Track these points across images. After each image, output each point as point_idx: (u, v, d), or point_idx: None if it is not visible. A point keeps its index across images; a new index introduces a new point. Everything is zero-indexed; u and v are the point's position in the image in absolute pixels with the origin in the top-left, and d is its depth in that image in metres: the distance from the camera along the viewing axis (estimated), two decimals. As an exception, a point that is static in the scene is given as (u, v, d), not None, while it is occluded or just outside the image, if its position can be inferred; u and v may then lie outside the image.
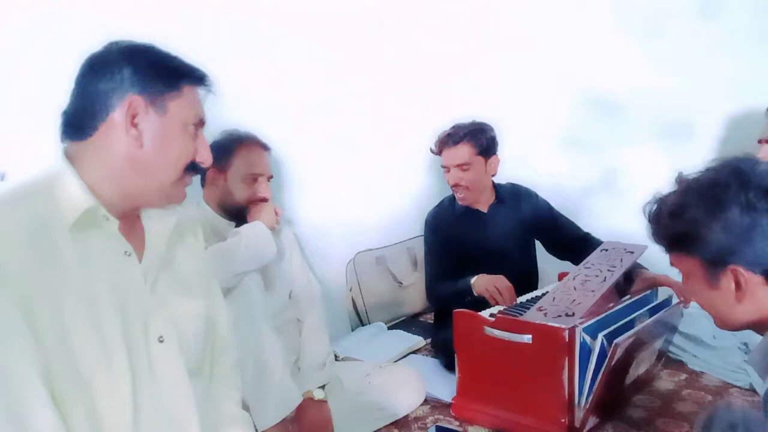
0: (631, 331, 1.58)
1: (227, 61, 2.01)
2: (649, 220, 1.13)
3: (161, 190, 1.00)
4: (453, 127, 2.25)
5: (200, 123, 1.03)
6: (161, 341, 0.99)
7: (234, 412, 1.20)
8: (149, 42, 0.99)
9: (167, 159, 0.98)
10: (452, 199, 2.36)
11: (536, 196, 2.37)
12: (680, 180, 1.10)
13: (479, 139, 2.19)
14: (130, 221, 1.01)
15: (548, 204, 2.35)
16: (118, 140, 0.94)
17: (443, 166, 2.27)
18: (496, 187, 2.33)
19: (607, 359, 1.51)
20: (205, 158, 1.04)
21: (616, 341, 1.50)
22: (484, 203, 2.30)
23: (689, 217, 1.04)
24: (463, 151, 2.18)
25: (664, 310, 1.81)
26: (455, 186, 2.23)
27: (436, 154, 2.31)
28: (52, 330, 0.85)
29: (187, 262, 1.12)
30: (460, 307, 1.82)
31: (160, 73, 0.97)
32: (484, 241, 2.24)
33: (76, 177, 0.93)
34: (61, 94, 1.52)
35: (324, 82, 2.38)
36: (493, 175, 2.29)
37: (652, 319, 1.72)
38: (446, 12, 2.95)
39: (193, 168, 1.03)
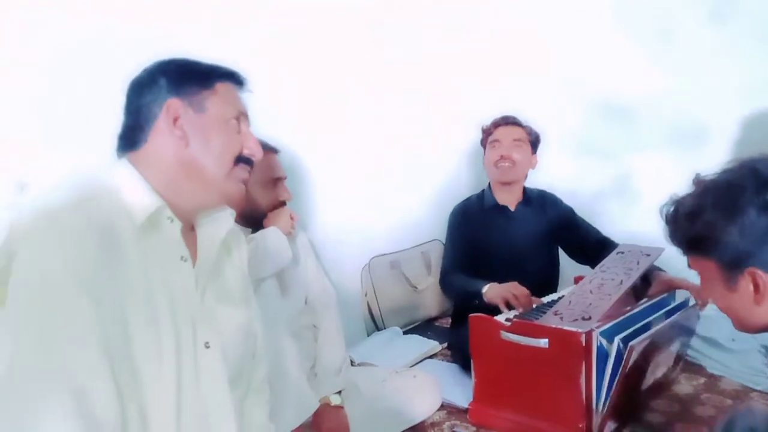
0: (647, 334, 1.57)
1: (238, 67, 2.04)
2: (666, 222, 1.13)
3: (214, 186, 1.04)
4: (505, 116, 2.36)
5: (242, 117, 1.08)
6: (207, 347, 1.02)
7: (263, 423, 1.23)
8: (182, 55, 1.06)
9: (213, 154, 1.02)
10: (480, 196, 2.40)
11: (561, 201, 2.41)
12: (697, 181, 1.10)
13: (532, 130, 2.33)
14: (186, 228, 1.05)
15: (571, 209, 2.39)
16: (166, 143, 1.00)
17: (493, 141, 2.32)
18: (525, 189, 2.37)
19: (623, 362, 1.50)
20: (254, 150, 1.08)
21: (631, 344, 1.49)
22: (512, 201, 2.34)
23: (706, 220, 1.03)
24: (520, 131, 2.31)
25: (680, 312, 1.80)
26: (503, 158, 2.26)
27: (486, 133, 2.38)
28: (116, 329, 0.88)
29: (232, 273, 1.16)
30: (467, 305, 1.82)
31: (192, 75, 1.03)
32: (509, 239, 2.27)
33: (141, 179, 0.98)
34: (81, 106, 1.56)
35: (337, 86, 2.39)
36: (529, 170, 2.35)
37: (667, 321, 1.71)
38: (457, 16, 2.96)
39: (244, 161, 1.07)
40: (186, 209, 1.03)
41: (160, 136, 1.00)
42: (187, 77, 1.03)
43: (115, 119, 1.63)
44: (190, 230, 1.06)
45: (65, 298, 0.84)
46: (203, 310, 1.03)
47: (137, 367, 0.91)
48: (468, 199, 2.45)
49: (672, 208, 1.11)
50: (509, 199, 2.34)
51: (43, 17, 1.52)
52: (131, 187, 0.97)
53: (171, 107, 1.00)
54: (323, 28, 2.32)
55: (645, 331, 1.62)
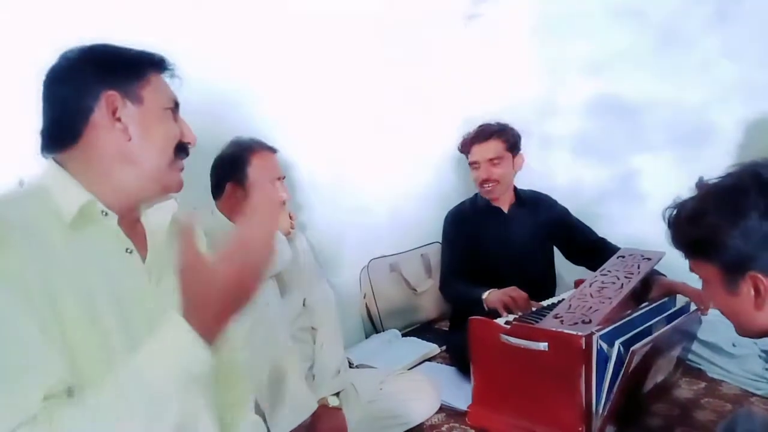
0: (649, 338, 1.55)
1: (238, 68, 2.04)
2: (669, 225, 1.12)
3: (156, 177, 0.99)
4: (481, 125, 2.30)
5: (176, 106, 1.04)
6: None
7: (244, 415, 1.18)
8: (99, 41, 0.99)
9: (156, 145, 0.98)
10: (473, 199, 2.39)
11: (555, 202, 2.39)
12: (700, 185, 1.09)
13: (508, 135, 2.25)
14: (130, 221, 1.01)
15: (566, 210, 2.37)
16: (105, 138, 0.94)
17: (472, 163, 2.29)
18: (517, 190, 2.36)
19: (625, 367, 1.49)
20: (190, 138, 1.04)
21: (633, 348, 1.48)
22: (505, 203, 2.33)
23: (708, 223, 1.03)
24: (495, 146, 2.23)
25: (682, 317, 1.79)
26: (485, 180, 2.24)
27: (463, 152, 2.33)
28: (59, 328, 0.84)
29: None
30: (470, 311, 1.82)
31: (124, 65, 0.97)
32: (504, 240, 2.26)
33: (70, 178, 0.93)
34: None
35: (336, 87, 2.39)
36: (516, 172, 2.32)
37: (669, 326, 1.70)
38: (456, 16, 2.97)
39: (181, 149, 1.03)
40: (127, 203, 0.99)
41: (98, 131, 0.94)
42: (119, 67, 0.96)
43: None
44: (135, 223, 1.03)
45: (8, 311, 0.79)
46: (161, 300, 0.97)
47: (78, 365, 0.85)
48: (461, 204, 2.44)
49: (674, 212, 1.11)
50: (502, 202, 2.33)
51: (45, 16, 1.52)
52: (59, 188, 0.92)
53: (109, 100, 0.94)
54: (323, 30, 2.33)
55: (646, 335, 1.61)
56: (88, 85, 0.94)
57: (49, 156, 0.97)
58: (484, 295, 2.00)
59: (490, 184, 2.24)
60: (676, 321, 1.74)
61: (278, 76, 2.18)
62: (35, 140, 1.49)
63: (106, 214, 0.95)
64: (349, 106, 2.45)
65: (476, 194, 2.39)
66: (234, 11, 2.02)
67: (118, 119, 0.94)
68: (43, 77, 0.97)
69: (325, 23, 2.33)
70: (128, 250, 0.97)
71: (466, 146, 2.31)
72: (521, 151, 2.31)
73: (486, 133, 2.25)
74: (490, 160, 2.23)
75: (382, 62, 2.61)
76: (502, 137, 2.24)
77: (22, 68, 1.49)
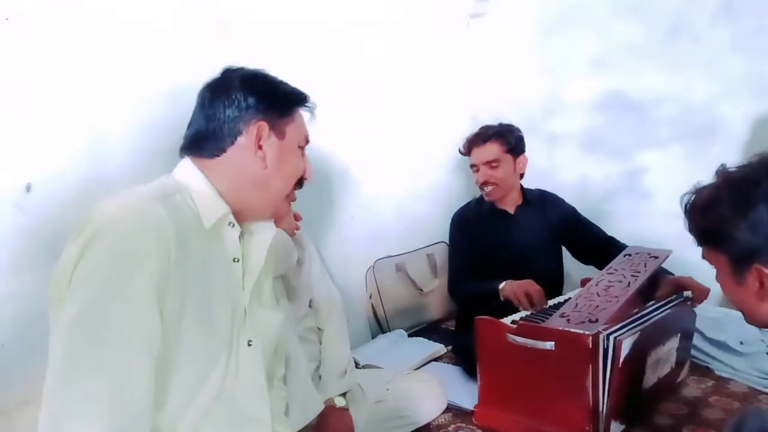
0: (636, 327, 1.57)
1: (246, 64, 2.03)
2: (684, 212, 1.13)
3: (274, 204, 1.13)
4: (481, 127, 2.30)
5: (307, 143, 1.17)
6: (250, 345, 1.08)
7: (280, 419, 1.26)
8: (260, 69, 1.13)
9: (284, 177, 1.11)
10: (479, 200, 2.38)
11: (563, 201, 2.38)
12: (720, 172, 1.09)
13: (507, 137, 2.24)
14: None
15: (574, 209, 2.36)
16: (246, 160, 1.06)
17: (472, 165, 2.29)
18: (524, 190, 2.35)
19: (611, 357, 1.50)
20: (309, 174, 1.18)
21: (618, 337, 1.49)
22: (511, 204, 2.32)
23: (718, 213, 1.04)
24: (493, 149, 2.22)
25: (671, 305, 1.80)
26: (484, 183, 2.24)
27: (464, 154, 2.33)
28: (176, 322, 0.93)
29: (269, 277, 1.23)
30: (483, 309, 1.82)
31: (278, 100, 1.10)
32: (510, 242, 2.25)
33: (210, 185, 1.05)
34: (91, 98, 1.56)
35: (342, 87, 2.39)
36: (521, 175, 2.31)
37: (657, 313, 1.71)
38: (460, 15, 2.96)
39: (299, 183, 1.17)
40: (242, 218, 1.10)
41: (241, 153, 1.06)
42: (275, 102, 1.09)
43: (121, 120, 1.65)
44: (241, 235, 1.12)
45: (134, 289, 0.87)
46: (250, 311, 1.09)
47: (188, 356, 0.95)
48: (467, 205, 2.44)
49: (691, 198, 1.12)
50: (507, 204, 2.32)
51: (51, 18, 1.53)
52: (201, 191, 1.04)
53: (260, 130, 1.06)
54: (328, 29, 2.33)
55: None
56: (246, 110, 1.06)
57: (186, 156, 1.09)
58: (501, 285, 2.01)
59: (490, 187, 2.24)
60: (664, 308, 1.74)
61: (288, 73, 2.17)
62: (42, 145, 1.52)
63: (233, 225, 1.07)
64: (354, 106, 2.45)
65: (482, 195, 2.39)
66: (244, 6, 2.02)
67: (260, 147, 1.07)
68: (205, 86, 1.10)
69: (332, 21, 2.33)
70: (235, 260, 1.08)
71: (465, 149, 2.31)
72: (524, 153, 2.29)
73: (484, 136, 2.25)
74: (488, 162, 2.22)
75: (388, 61, 2.61)
76: (501, 139, 2.22)
77: (27, 68, 1.51)
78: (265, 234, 1.16)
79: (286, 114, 1.11)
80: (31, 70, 1.50)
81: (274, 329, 1.20)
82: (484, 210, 2.33)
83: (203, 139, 1.08)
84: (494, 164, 2.22)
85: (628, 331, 1.56)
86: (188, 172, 1.07)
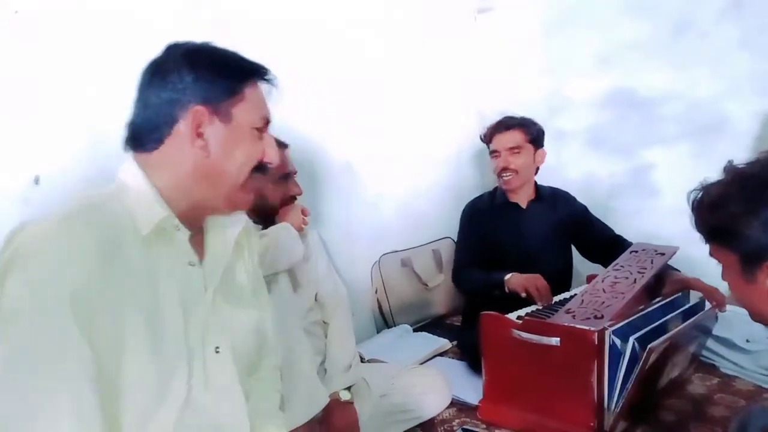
0: (666, 336, 1.55)
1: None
2: (692, 209, 1.12)
3: (230, 194, 0.99)
4: (504, 116, 2.32)
5: (266, 123, 1.01)
6: (218, 352, 0.98)
7: (271, 413, 1.20)
8: (206, 41, 0.98)
9: (235, 165, 0.97)
10: (492, 192, 2.40)
11: (574, 199, 2.39)
12: (728, 169, 1.09)
13: (530, 127, 2.27)
14: (194, 231, 1.01)
15: (585, 207, 2.37)
16: (184, 151, 0.93)
17: (493, 152, 2.30)
18: (537, 186, 2.36)
19: (641, 364, 1.48)
20: (272, 158, 1.02)
21: (650, 346, 1.47)
22: (524, 198, 2.33)
23: (729, 210, 1.03)
24: (515, 136, 2.25)
25: (700, 313, 1.78)
26: (503, 170, 2.25)
27: (485, 141, 2.35)
28: (113, 341, 0.84)
29: (243, 273, 1.13)
30: (488, 302, 1.82)
31: (222, 77, 0.95)
32: (520, 236, 2.27)
33: (150, 186, 0.93)
34: (93, 96, 1.56)
35: (348, 83, 2.39)
36: (538, 167, 2.33)
37: (687, 323, 1.69)
38: (465, 10, 2.95)
39: (259, 169, 1.01)
40: (194, 215, 1.00)
41: (179, 143, 0.93)
42: (217, 80, 0.94)
43: (123, 119, 1.65)
44: (197, 233, 1.02)
45: (56, 322, 0.79)
46: (213, 315, 0.99)
47: (137, 377, 0.86)
48: (480, 197, 2.45)
49: (699, 195, 1.11)
50: (520, 197, 2.33)
51: (56, 15, 1.53)
52: (138, 194, 0.92)
53: (196, 115, 0.92)
54: (334, 25, 2.33)
55: (660, 331, 1.60)
56: (181, 94, 0.92)
57: (130, 151, 0.97)
58: (507, 277, 2.01)
59: (509, 174, 2.25)
60: (694, 318, 1.72)
61: (292, 71, 2.17)
62: (45, 142, 1.52)
63: (179, 228, 0.96)
64: (359, 102, 2.45)
65: (495, 188, 2.40)
66: (245, 6, 2.02)
67: (200, 135, 0.93)
68: (144, 67, 0.96)
69: (337, 17, 2.33)
70: (191, 263, 0.98)
71: (487, 136, 2.33)
72: (544, 147, 2.32)
73: (507, 123, 2.28)
74: (510, 149, 2.24)
75: (392, 58, 2.60)
76: (524, 128, 2.26)
77: (35, 62, 1.51)
78: (230, 229, 1.06)
79: (232, 93, 0.95)
80: (36, 64, 1.51)
81: (248, 329, 1.09)
82: (497, 202, 2.34)
83: (141, 131, 0.95)
84: (516, 150, 2.24)
85: (657, 338, 1.53)
86: (129, 171, 0.95)
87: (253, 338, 1.11)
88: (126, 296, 0.86)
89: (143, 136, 0.95)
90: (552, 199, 2.36)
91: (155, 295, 0.90)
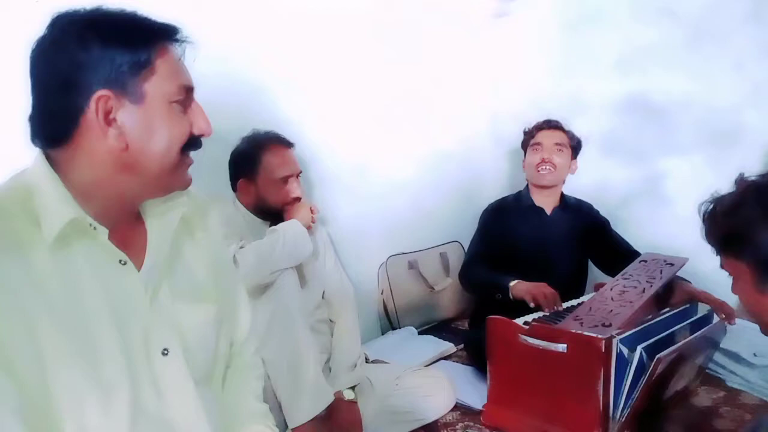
0: (675, 347, 1.54)
1: (262, 57, 2.04)
2: (703, 220, 1.12)
3: (160, 180, 0.87)
4: (547, 119, 2.38)
5: (188, 92, 0.87)
6: (165, 354, 0.89)
7: (253, 407, 1.12)
8: (96, 5, 0.82)
9: (159, 148, 0.84)
10: (517, 195, 2.41)
11: (597, 212, 2.41)
12: (740, 181, 1.09)
13: (572, 135, 2.34)
14: (129, 225, 0.90)
15: (606, 221, 2.38)
16: (98, 144, 0.81)
17: (534, 144, 2.33)
18: (563, 194, 2.37)
19: (648, 374, 1.47)
20: (204, 128, 0.89)
21: (659, 356, 1.46)
22: (549, 204, 2.34)
23: (742, 220, 1.03)
24: (562, 136, 2.31)
25: (709, 326, 1.77)
26: (543, 161, 2.27)
27: (527, 136, 2.39)
28: (34, 361, 0.76)
29: (197, 261, 1.00)
30: (488, 301, 1.81)
31: (123, 50, 0.79)
32: (541, 241, 2.27)
33: (56, 185, 0.81)
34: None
35: (359, 83, 2.39)
36: (569, 174, 2.36)
37: (696, 335, 1.68)
38: (481, 12, 2.95)
39: (191, 144, 0.88)
40: (124, 209, 0.89)
41: (90, 134, 0.80)
42: (118, 54, 0.79)
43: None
44: (135, 223, 0.92)
45: None
46: (157, 314, 0.89)
47: (69, 393, 0.78)
48: (504, 198, 2.46)
49: (711, 206, 1.11)
50: (546, 202, 2.34)
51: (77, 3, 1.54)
52: (43, 195, 0.80)
53: (100, 102, 0.79)
54: (349, 24, 2.33)
55: (667, 341, 1.60)
56: (78, 77, 0.78)
57: (38, 146, 0.85)
58: (511, 283, 2.00)
59: (547, 167, 2.26)
60: (702, 330, 1.71)
61: (303, 68, 2.18)
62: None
63: (95, 228, 0.83)
64: (373, 102, 2.46)
65: (519, 192, 2.41)
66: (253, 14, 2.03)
67: (112, 122, 0.80)
68: (30, 49, 0.81)
69: (352, 17, 2.34)
70: (122, 262, 0.86)
71: (533, 130, 2.36)
72: (576, 159, 2.35)
73: (553, 123, 2.35)
74: (556, 144, 2.28)
75: (408, 57, 2.61)
76: (569, 134, 2.33)
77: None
78: (167, 219, 0.93)
79: (140, 67, 0.80)
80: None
81: (204, 324, 0.98)
82: (522, 204, 2.35)
83: (42, 125, 0.83)
84: (560, 147, 2.28)
85: (665, 348, 1.52)
86: (35, 171, 0.82)
87: (212, 333, 1.00)
88: (39, 310, 0.76)
89: (47, 130, 0.83)
90: (576, 208, 2.37)
91: (76, 303, 0.80)
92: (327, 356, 1.89)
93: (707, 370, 2.03)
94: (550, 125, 2.34)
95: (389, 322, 2.62)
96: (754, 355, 2.00)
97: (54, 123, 0.81)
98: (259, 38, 2.01)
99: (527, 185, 2.40)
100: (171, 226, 0.93)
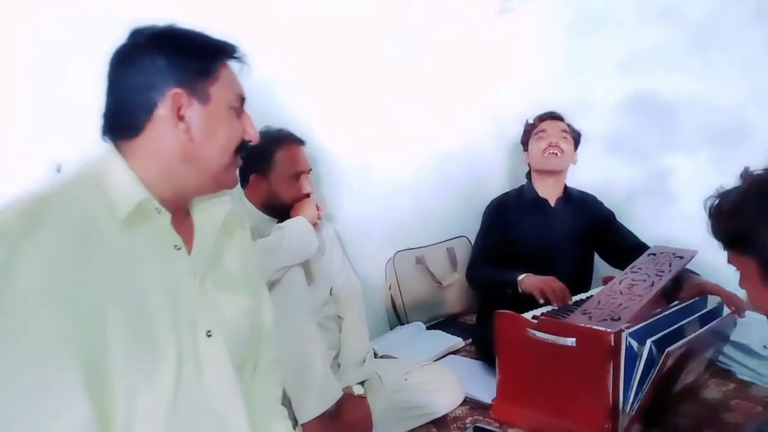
0: (684, 340, 1.53)
1: (271, 56, 2.03)
2: (709, 216, 1.11)
3: (213, 176, 0.99)
4: (547, 111, 2.41)
5: (242, 101, 1.01)
6: (209, 336, 0.97)
7: (273, 408, 1.19)
8: (170, 23, 0.96)
9: (218, 146, 0.97)
10: (519, 189, 2.41)
11: (602, 204, 2.40)
12: (745, 176, 1.08)
13: (573, 127, 2.38)
14: (180, 215, 1.00)
15: (612, 213, 2.37)
16: (168, 136, 0.93)
17: (539, 131, 2.35)
18: (566, 186, 2.37)
19: (658, 368, 1.47)
20: (253, 135, 1.02)
21: (668, 350, 1.45)
22: (553, 195, 2.34)
23: (748, 216, 1.02)
24: (565, 126, 2.34)
25: (719, 319, 1.76)
26: (551, 145, 2.28)
27: (530, 128, 2.41)
28: (98, 325, 0.83)
29: (234, 258, 1.10)
30: (497, 296, 1.81)
31: (195, 58, 0.94)
32: (545, 232, 2.27)
33: (128, 170, 0.92)
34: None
35: (365, 80, 2.39)
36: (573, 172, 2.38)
37: (706, 328, 1.67)
38: (483, 10, 2.94)
39: (241, 148, 1.01)
40: (181, 199, 1.00)
41: (160, 128, 0.93)
42: (190, 62, 0.93)
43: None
44: (185, 216, 1.02)
45: (37, 316, 0.77)
46: (203, 298, 0.98)
47: (124, 361, 0.85)
48: (506, 194, 2.45)
49: (716, 202, 1.10)
50: (550, 193, 2.33)
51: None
52: (116, 180, 0.91)
53: (175, 98, 0.92)
54: (353, 23, 2.33)
55: (676, 334, 1.59)
56: (156, 78, 0.92)
57: (108, 140, 0.96)
58: (520, 278, 2.00)
59: (556, 150, 2.27)
60: (712, 324, 1.70)
61: (304, 69, 2.18)
62: (71, 129, 1.53)
63: (160, 211, 0.94)
64: (378, 99, 2.45)
65: (522, 186, 2.41)
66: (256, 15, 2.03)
67: (182, 118, 0.93)
68: (110, 56, 0.95)
69: (356, 17, 2.33)
70: (177, 247, 0.96)
71: (535, 123, 2.38)
72: (577, 151, 2.37)
73: (555, 115, 2.38)
74: (562, 131, 2.31)
75: (411, 55, 2.60)
76: (570, 126, 2.36)
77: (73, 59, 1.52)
78: (214, 213, 1.04)
79: (207, 74, 0.95)
80: (65, 53, 1.52)
81: (240, 315, 1.06)
82: (525, 198, 2.35)
83: (116, 119, 0.95)
84: (565, 135, 2.31)
85: (674, 342, 1.51)
86: (107, 159, 0.94)
87: (247, 324, 1.09)
88: (107, 282, 0.85)
89: (122, 124, 0.94)
90: (580, 200, 2.36)
91: (138, 280, 0.89)
92: (335, 352, 1.89)
93: (717, 363, 2.03)
94: (553, 116, 2.36)
95: (397, 317, 2.62)
96: (765, 347, 1.99)
97: (130, 116, 0.93)
98: (259, 39, 2.00)
99: (529, 179, 2.39)
100: (217, 221, 1.04)
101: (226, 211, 1.06)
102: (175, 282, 0.94)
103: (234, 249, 1.11)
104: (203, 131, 0.95)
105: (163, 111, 0.92)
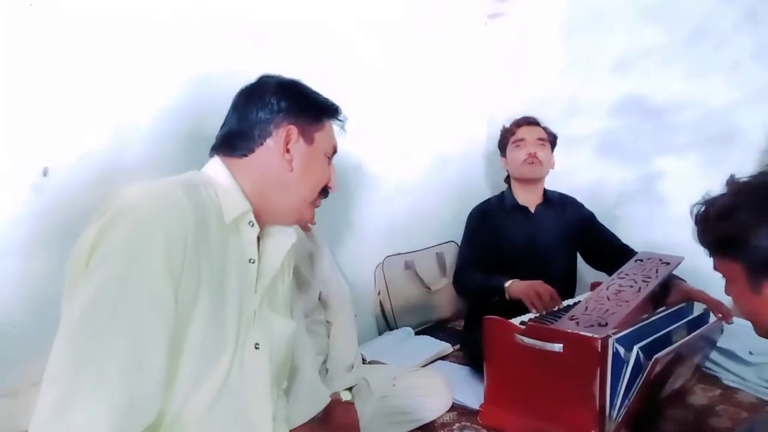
0: (672, 347, 1.54)
1: (269, 62, 2.04)
2: (696, 222, 1.12)
3: (297, 209, 1.15)
4: (524, 116, 2.42)
5: (334, 153, 1.21)
6: (257, 348, 1.08)
7: (280, 414, 1.27)
8: (296, 78, 1.17)
9: (309, 182, 1.14)
10: (500, 196, 2.42)
11: (581, 205, 2.41)
12: (731, 182, 1.09)
13: (549, 130, 2.39)
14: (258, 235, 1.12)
15: (592, 214, 2.39)
16: (273, 162, 1.10)
17: (517, 140, 2.35)
18: (545, 190, 2.38)
19: (646, 374, 1.47)
20: (335, 185, 1.21)
21: (656, 356, 1.46)
22: (532, 201, 2.35)
23: (736, 221, 1.02)
24: (541, 131, 2.35)
25: (707, 326, 1.77)
26: (530, 156, 2.29)
27: (508, 130, 2.42)
28: (190, 303, 0.93)
29: (282, 285, 1.24)
30: (491, 307, 1.82)
31: (310, 107, 1.14)
32: (527, 239, 2.28)
33: (236, 183, 1.08)
34: (106, 93, 1.57)
35: (357, 84, 2.39)
36: (562, 175, 2.41)
37: (694, 334, 1.68)
38: (478, 13, 2.95)
39: (324, 192, 1.19)
40: (263, 220, 1.12)
41: (269, 154, 1.10)
42: (306, 108, 1.13)
43: (140, 110, 1.66)
44: (259, 237, 1.13)
45: (148, 270, 0.87)
46: (259, 314, 1.09)
47: (196, 350, 0.94)
48: (488, 200, 2.46)
49: (703, 208, 1.11)
50: (530, 199, 2.34)
51: (72, 5, 1.54)
52: (226, 187, 1.06)
53: (289, 133, 1.10)
54: (348, 27, 2.33)
55: (663, 340, 1.60)
56: (277, 113, 1.10)
57: (216, 155, 1.12)
58: (507, 284, 2.00)
59: (535, 161, 2.29)
60: (700, 330, 1.71)
61: (303, 71, 2.17)
62: (62, 130, 1.53)
63: (253, 225, 1.08)
64: (370, 103, 2.45)
65: (503, 192, 2.43)
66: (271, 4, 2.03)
67: (289, 150, 1.10)
68: (240, 91, 1.15)
69: (351, 20, 2.34)
70: (251, 261, 1.09)
71: (512, 126, 2.39)
72: (553, 153, 2.38)
73: (531, 120, 2.39)
74: (538, 139, 2.32)
75: (404, 59, 2.60)
76: (546, 129, 2.38)
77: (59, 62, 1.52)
78: (285, 239, 1.18)
79: (316, 121, 1.14)
80: (52, 56, 1.51)
81: (285, 337, 1.19)
82: (506, 205, 2.36)
83: (234, 139, 1.11)
84: (542, 143, 2.32)
85: (662, 348, 1.52)
86: (215, 168, 1.09)
87: (287, 345, 1.22)
88: (205, 271, 0.96)
89: (237, 143, 1.10)
90: (560, 204, 2.38)
91: (223, 279, 1.00)
92: (323, 358, 1.88)
93: (704, 369, 2.04)
94: (529, 121, 2.38)
95: (386, 322, 2.62)
96: (750, 353, 2.01)
97: (248, 139, 1.10)
98: (260, 39, 2.01)
99: (509, 186, 2.41)
100: (283, 249, 1.17)
101: (292, 243, 1.19)
102: (243, 291, 1.05)
103: (285, 276, 1.26)
104: (302, 166, 1.12)
105: (274, 141, 1.10)
